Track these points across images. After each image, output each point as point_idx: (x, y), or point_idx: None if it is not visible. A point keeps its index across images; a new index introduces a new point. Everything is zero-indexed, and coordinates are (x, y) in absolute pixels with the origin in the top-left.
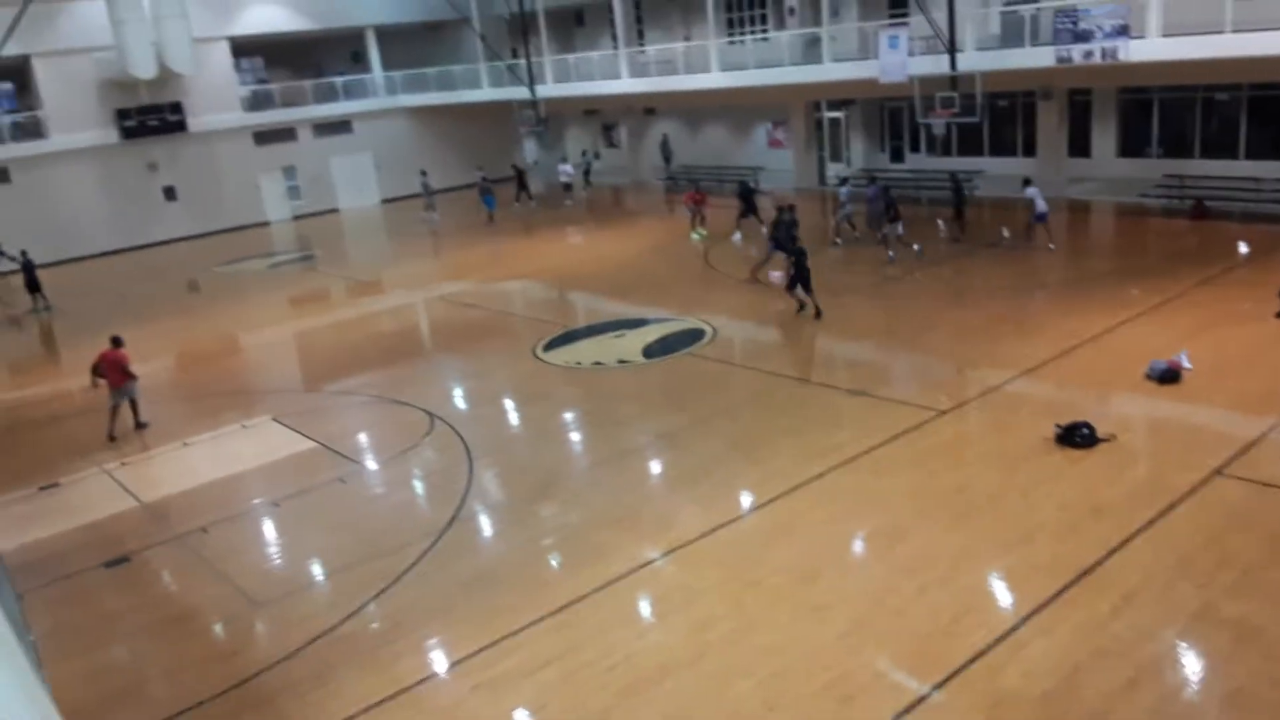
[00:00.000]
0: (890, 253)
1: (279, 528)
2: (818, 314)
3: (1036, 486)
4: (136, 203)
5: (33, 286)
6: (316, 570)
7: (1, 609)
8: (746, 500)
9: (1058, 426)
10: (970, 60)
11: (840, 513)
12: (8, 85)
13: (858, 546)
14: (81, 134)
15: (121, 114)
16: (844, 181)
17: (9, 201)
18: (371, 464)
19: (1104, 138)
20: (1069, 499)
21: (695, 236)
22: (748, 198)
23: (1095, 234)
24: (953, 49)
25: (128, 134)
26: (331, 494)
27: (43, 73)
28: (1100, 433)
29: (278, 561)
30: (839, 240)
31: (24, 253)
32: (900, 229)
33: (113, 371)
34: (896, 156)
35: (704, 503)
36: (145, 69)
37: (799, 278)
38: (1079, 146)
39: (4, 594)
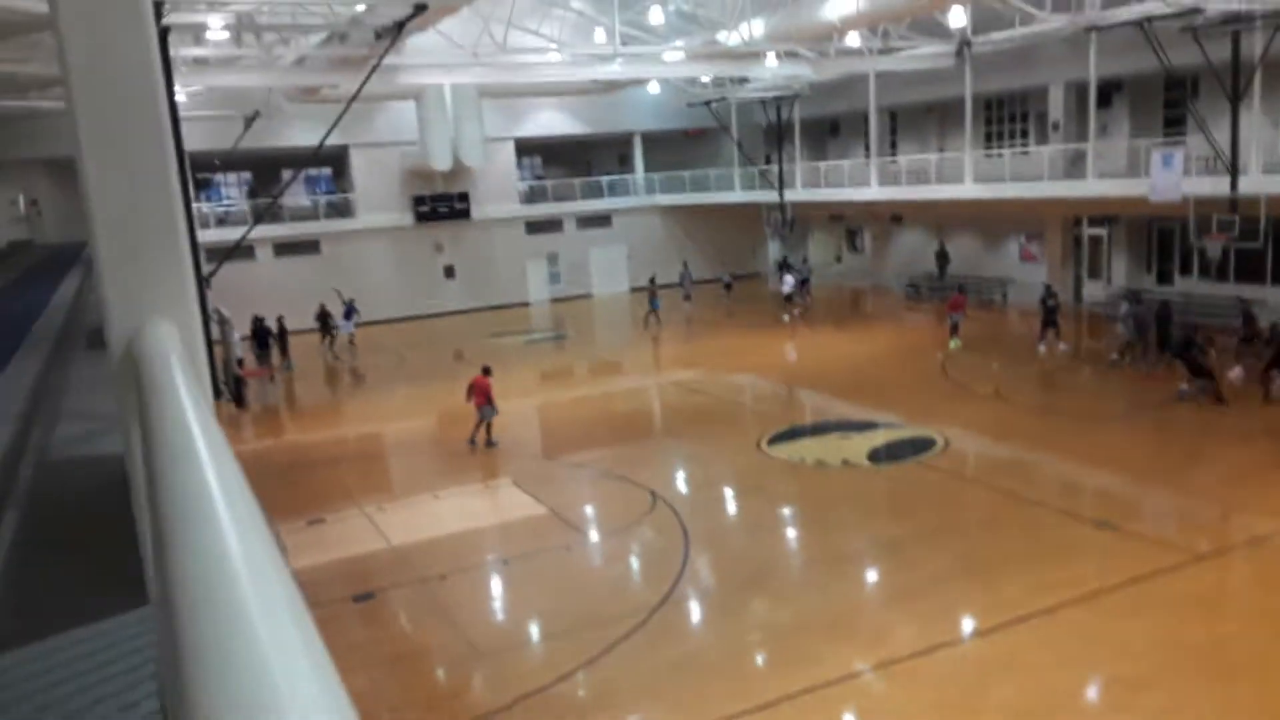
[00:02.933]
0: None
1: (506, 584)
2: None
3: None
4: (421, 278)
5: (284, 348)
6: (535, 630)
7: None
8: (969, 625)
9: None
10: (1254, 183)
11: (1073, 653)
12: (327, 170)
13: (1091, 693)
14: (383, 215)
15: (417, 200)
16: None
17: (318, 269)
18: (594, 535)
19: None
20: None
21: (953, 345)
22: (1051, 309)
23: None
24: (1234, 171)
25: (420, 218)
26: (556, 559)
27: (357, 161)
28: None
29: (501, 616)
30: (1116, 358)
31: (280, 319)
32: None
33: (479, 394)
34: (1164, 278)
35: (922, 620)
36: (443, 162)
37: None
38: None
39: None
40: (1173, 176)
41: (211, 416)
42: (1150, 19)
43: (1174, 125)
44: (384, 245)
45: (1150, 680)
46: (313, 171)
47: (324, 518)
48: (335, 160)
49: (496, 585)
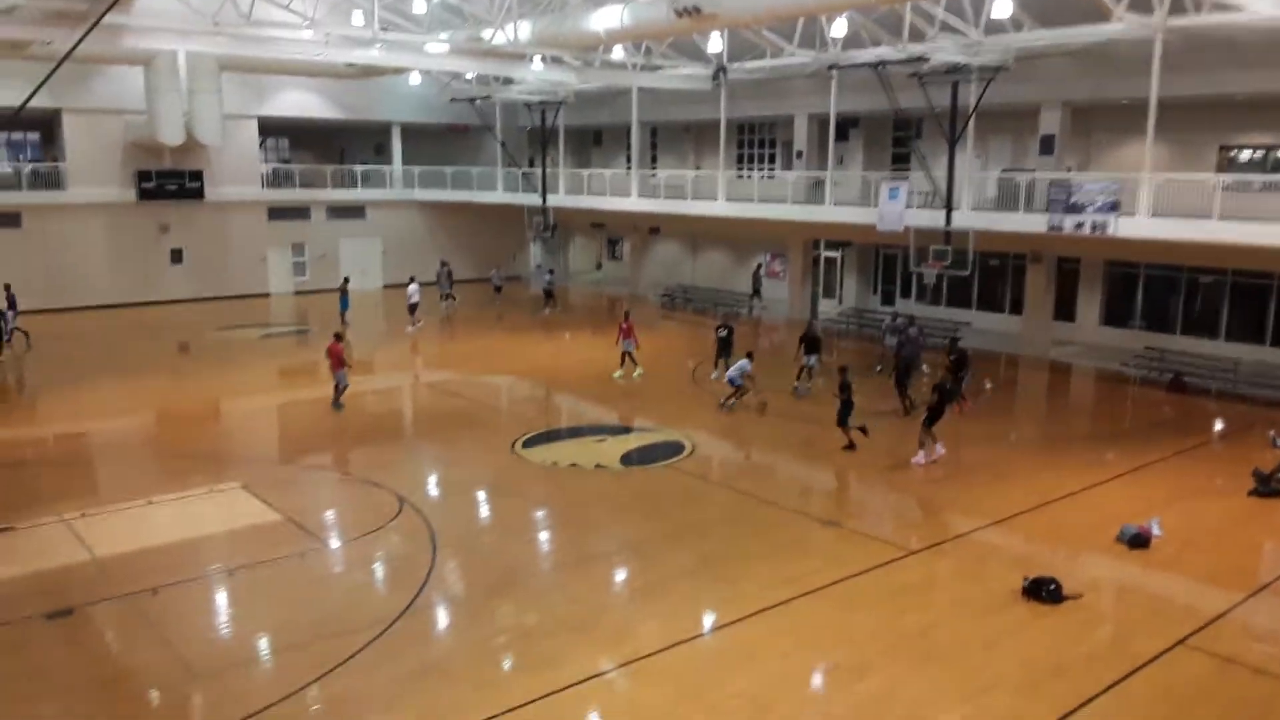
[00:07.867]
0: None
1: (231, 598)
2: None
3: (1001, 638)
4: (143, 261)
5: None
6: (262, 645)
7: None
8: (709, 620)
9: (1025, 579)
10: (965, 218)
11: (803, 642)
12: (34, 135)
13: (818, 679)
14: (99, 189)
15: (142, 175)
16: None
17: (18, 246)
18: (334, 542)
19: (1089, 305)
20: (1031, 654)
21: (617, 375)
22: (724, 339)
23: (1075, 397)
24: (949, 206)
25: (145, 195)
26: (289, 569)
27: (70, 127)
28: (1067, 590)
29: (223, 632)
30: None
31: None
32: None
33: (331, 357)
34: (887, 300)
35: (665, 617)
36: (173, 137)
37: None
38: (1065, 311)
39: None
40: (897, 208)
41: None
42: (884, 63)
43: (901, 161)
44: (100, 223)
45: (869, 666)
46: (16, 136)
47: (14, 526)
48: (44, 125)
49: (219, 598)
